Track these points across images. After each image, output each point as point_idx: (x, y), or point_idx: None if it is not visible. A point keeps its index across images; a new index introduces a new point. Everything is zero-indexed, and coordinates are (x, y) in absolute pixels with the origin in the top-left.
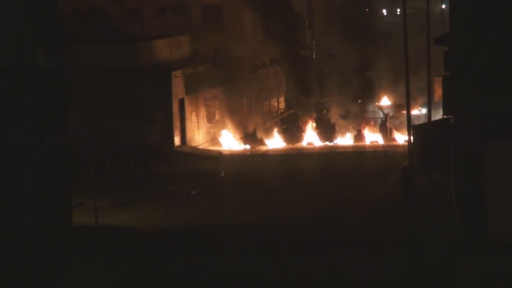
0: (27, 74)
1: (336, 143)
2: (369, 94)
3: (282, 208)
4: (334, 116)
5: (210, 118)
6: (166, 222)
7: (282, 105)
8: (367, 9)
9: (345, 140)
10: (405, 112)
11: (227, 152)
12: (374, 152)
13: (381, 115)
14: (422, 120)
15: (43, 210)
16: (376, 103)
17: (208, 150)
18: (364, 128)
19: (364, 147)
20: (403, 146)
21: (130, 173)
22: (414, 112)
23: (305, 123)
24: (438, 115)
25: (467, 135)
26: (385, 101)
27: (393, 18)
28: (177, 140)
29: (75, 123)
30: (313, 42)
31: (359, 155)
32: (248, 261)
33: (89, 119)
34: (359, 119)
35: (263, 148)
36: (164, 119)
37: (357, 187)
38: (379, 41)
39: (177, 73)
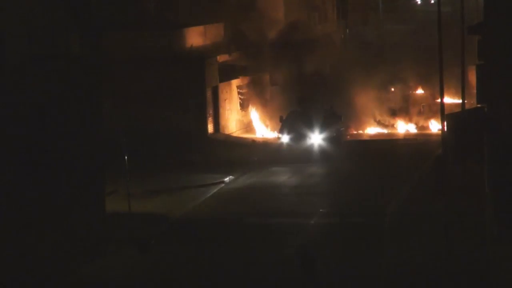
0: (60, 61)
1: (367, 132)
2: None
3: (313, 196)
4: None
5: (243, 106)
6: (200, 210)
7: None
8: None
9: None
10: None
11: (260, 140)
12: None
13: None
14: None
15: (77, 197)
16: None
17: (241, 138)
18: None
19: (397, 136)
20: (436, 135)
21: (163, 160)
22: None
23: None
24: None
25: (501, 124)
26: (419, 90)
27: (427, 7)
28: (210, 128)
29: (108, 110)
30: (347, 30)
31: (392, 144)
32: (278, 249)
33: (122, 106)
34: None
35: None
36: (197, 106)
37: (390, 175)
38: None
39: (211, 60)
